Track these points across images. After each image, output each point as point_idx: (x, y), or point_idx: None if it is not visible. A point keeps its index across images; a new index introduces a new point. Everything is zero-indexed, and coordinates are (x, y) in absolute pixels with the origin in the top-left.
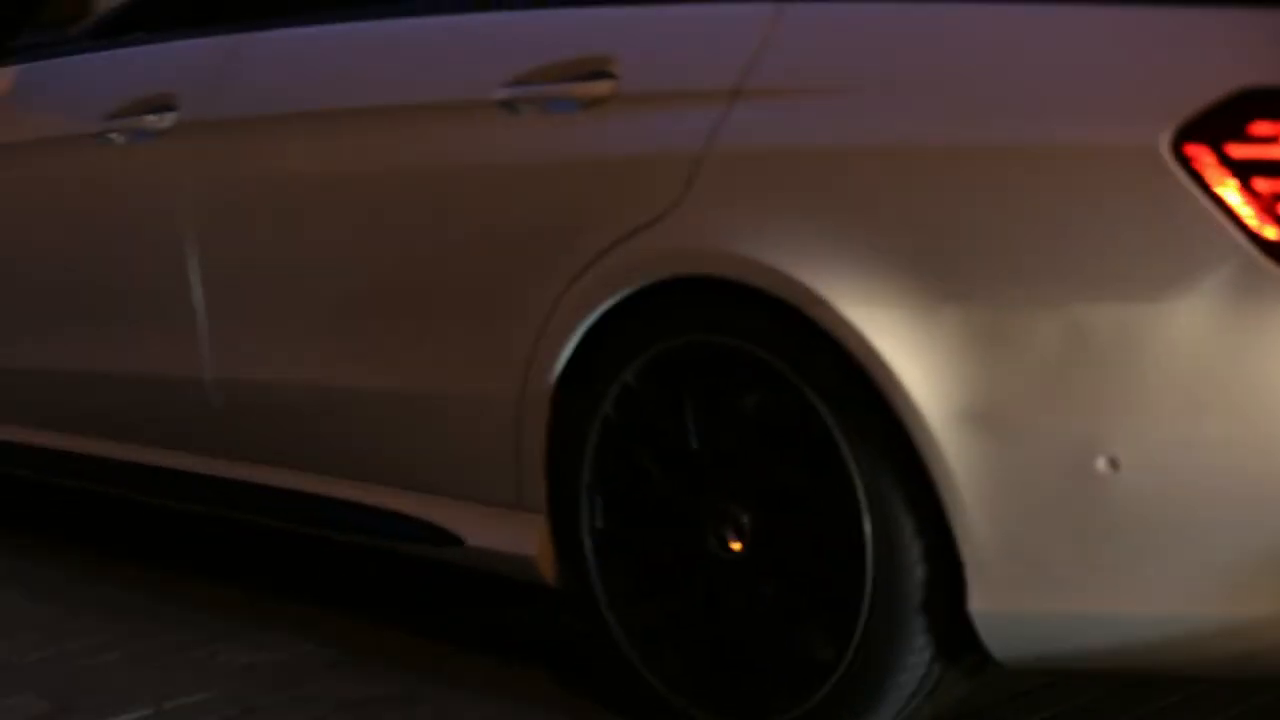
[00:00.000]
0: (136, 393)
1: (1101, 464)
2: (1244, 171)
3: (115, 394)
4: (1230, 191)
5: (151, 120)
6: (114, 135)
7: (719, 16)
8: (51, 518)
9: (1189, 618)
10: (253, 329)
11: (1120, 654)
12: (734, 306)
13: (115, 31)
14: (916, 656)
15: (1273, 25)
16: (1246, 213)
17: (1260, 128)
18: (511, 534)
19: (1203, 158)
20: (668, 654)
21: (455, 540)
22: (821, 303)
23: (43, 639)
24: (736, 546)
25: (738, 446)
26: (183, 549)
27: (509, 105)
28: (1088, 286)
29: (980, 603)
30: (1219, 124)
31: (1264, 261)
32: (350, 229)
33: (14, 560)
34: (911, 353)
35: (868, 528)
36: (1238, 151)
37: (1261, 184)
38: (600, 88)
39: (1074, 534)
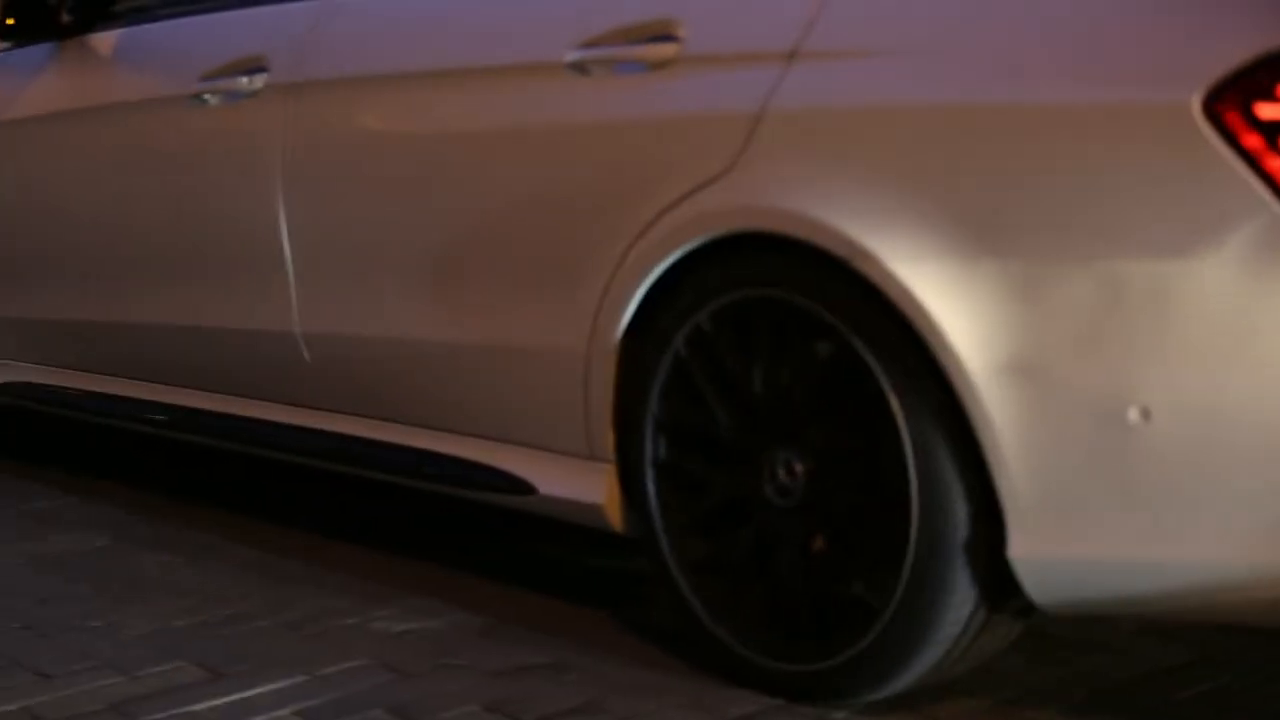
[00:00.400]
0: (230, 346)
1: (1134, 414)
2: (1271, 131)
3: (210, 347)
4: (1258, 150)
5: (243, 82)
6: (208, 96)
7: None
8: (178, 477)
9: (1219, 564)
10: (339, 284)
11: (1154, 600)
12: (790, 261)
13: None
14: (960, 600)
15: None
16: (1274, 170)
17: None
18: (582, 482)
19: (1232, 117)
20: (721, 592)
21: (529, 489)
22: (868, 257)
23: (194, 605)
24: (790, 490)
25: (796, 395)
26: (323, 510)
27: (579, 67)
28: (1122, 241)
29: (1020, 549)
30: (1248, 85)
31: None
32: (429, 188)
33: (157, 526)
34: (954, 305)
35: (913, 475)
36: (1266, 111)
37: None
38: (665, 50)
39: (1108, 482)
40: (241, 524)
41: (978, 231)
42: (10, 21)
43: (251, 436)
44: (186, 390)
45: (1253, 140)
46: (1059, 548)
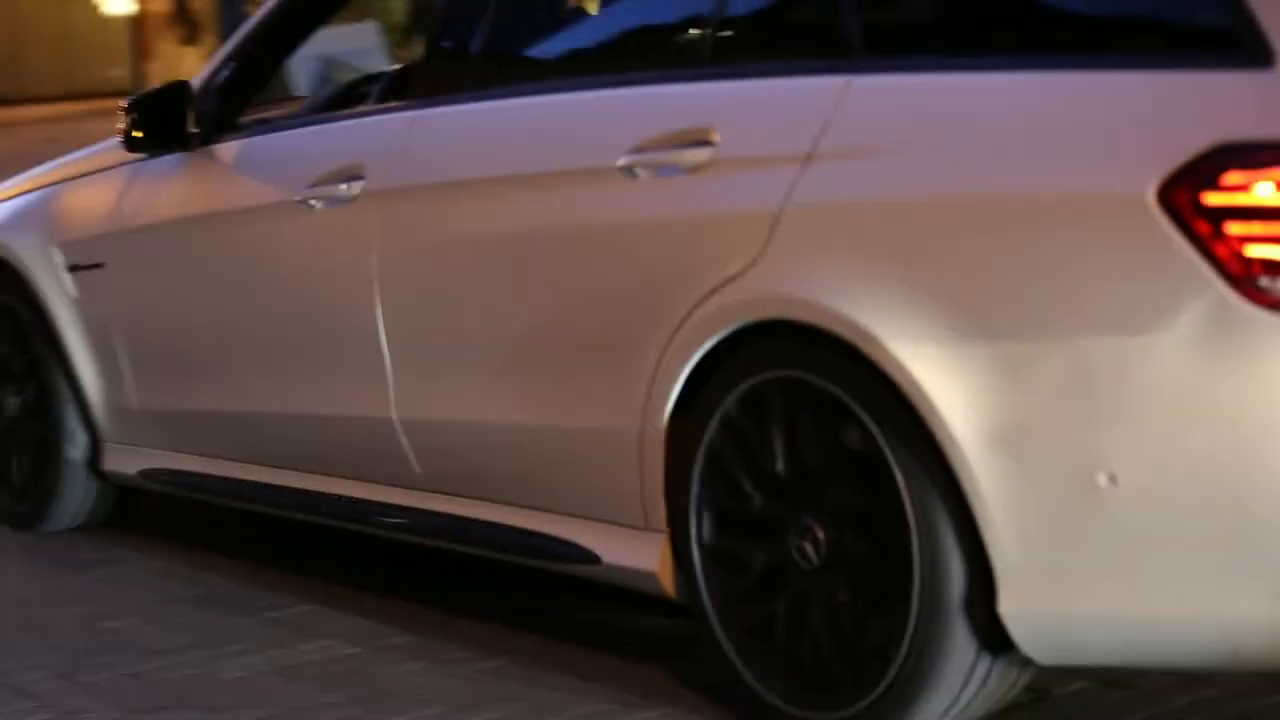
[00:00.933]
0: (334, 431)
1: (1102, 479)
2: (1217, 217)
3: (314, 433)
4: (1206, 235)
5: (343, 189)
6: (314, 202)
7: (799, 88)
8: (417, 584)
9: (1181, 617)
10: (429, 373)
11: (1128, 652)
12: (806, 346)
13: (322, 109)
14: (961, 651)
15: (1243, 86)
16: (1219, 253)
17: (1232, 178)
18: (639, 551)
19: (1183, 205)
20: (759, 652)
21: (594, 559)
22: (873, 340)
23: (442, 714)
24: (813, 557)
25: (814, 469)
26: (558, 616)
27: (629, 171)
28: (1088, 319)
29: (1009, 605)
30: (1197, 175)
31: (1234, 296)
32: (501, 284)
33: (404, 632)
34: (947, 383)
35: (915, 539)
36: (1213, 199)
37: (1232, 227)
38: (702, 155)
39: (1083, 543)
40: (492, 631)
41: (966, 315)
42: (139, 135)
43: (358, 515)
44: (295, 472)
45: (1202, 226)
46: (1045, 605)
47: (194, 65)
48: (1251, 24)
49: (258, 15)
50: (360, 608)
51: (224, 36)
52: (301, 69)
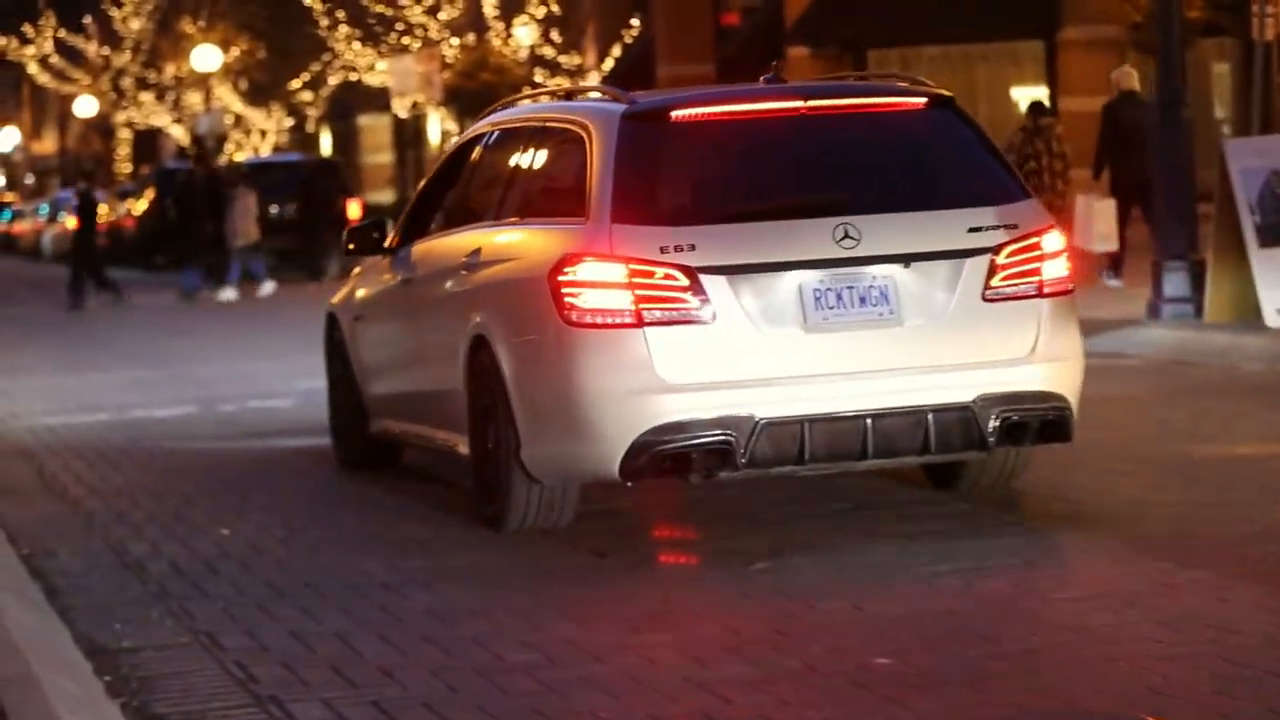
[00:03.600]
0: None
1: None
2: (562, 288)
3: (429, 403)
4: (556, 292)
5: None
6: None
7: None
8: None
9: None
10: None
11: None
12: None
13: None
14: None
15: (582, 229)
16: (560, 305)
17: (568, 270)
18: None
19: (555, 281)
20: None
21: None
22: None
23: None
24: None
25: None
26: None
27: None
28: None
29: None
30: (559, 266)
31: (565, 329)
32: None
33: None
34: None
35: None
36: (565, 279)
37: (569, 292)
38: None
39: None
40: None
41: None
42: (351, 246)
43: None
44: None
45: (557, 291)
46: None
47: None
48: (586, 204)
49: (422, 182)
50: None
51: None
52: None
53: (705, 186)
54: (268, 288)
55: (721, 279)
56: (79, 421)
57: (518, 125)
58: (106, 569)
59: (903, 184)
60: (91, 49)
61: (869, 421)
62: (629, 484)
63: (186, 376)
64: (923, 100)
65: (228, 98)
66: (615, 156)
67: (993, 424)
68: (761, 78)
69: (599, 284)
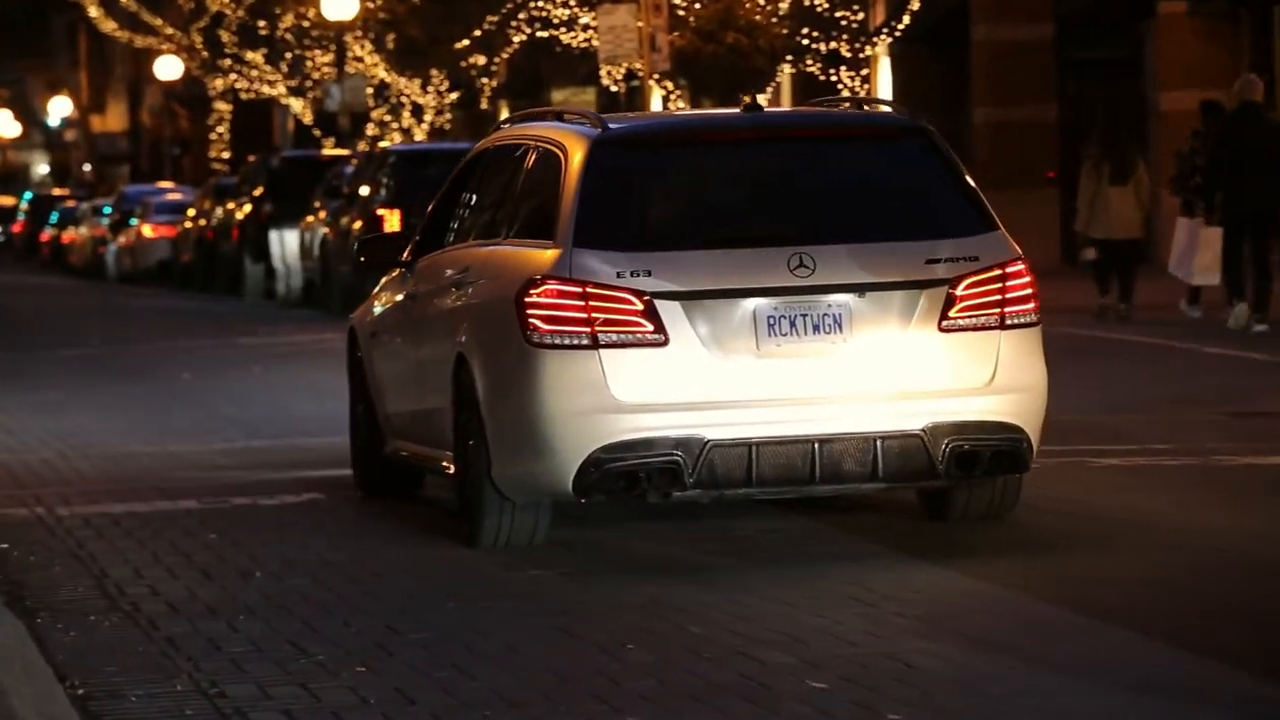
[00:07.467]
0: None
1: None
2: (527, 309)
3: (426, 419)
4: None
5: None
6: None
7: None
8: None
9: None
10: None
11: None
12: None
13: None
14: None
15: (548, 252)
16: (528, 322)
17: (532, 291)
18: None
19: (521, 302)
20: None
21: None
22: None
23: None
24: None
25: None
26: None
27: None
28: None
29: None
30: (526, 288)
31: (526, 349)
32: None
33: None
34: None
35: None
36: (529, 300)
37: (531, 313)
38: None
39: None
40: None
41: None
42: (362, 259)
43: None
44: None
45: (523, 310)
46: None
47: None
48: (556, 231)
49: (436, 198)
50: None
51: None
52: None
53: (666, 213)
54: None
55: (676, 304)
56: None
57: (513, 143)
58: None
59: (863, 214)
60: None
61: (816, 446)
62: (583, 501)
63: None
64: (893, 129)
65: (369, 60)
66: (581, 181)
67: (943, 453)
68: (740, 108)
69: (558, 306)
